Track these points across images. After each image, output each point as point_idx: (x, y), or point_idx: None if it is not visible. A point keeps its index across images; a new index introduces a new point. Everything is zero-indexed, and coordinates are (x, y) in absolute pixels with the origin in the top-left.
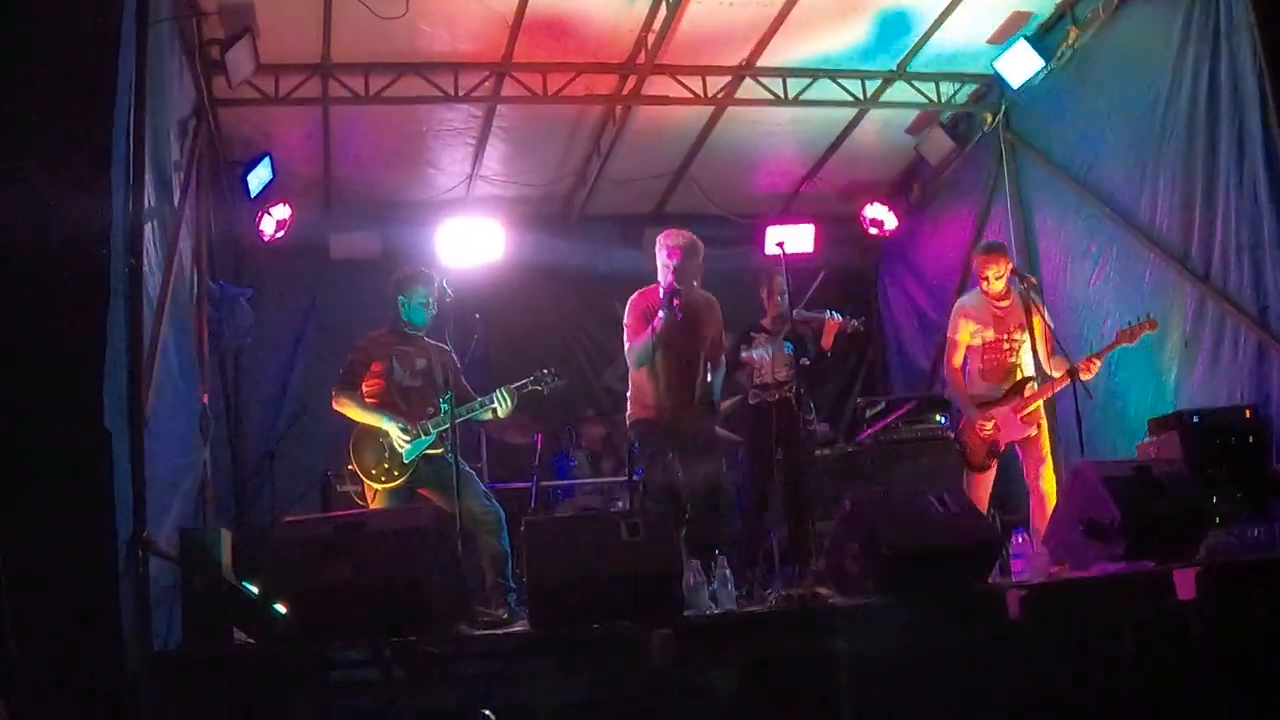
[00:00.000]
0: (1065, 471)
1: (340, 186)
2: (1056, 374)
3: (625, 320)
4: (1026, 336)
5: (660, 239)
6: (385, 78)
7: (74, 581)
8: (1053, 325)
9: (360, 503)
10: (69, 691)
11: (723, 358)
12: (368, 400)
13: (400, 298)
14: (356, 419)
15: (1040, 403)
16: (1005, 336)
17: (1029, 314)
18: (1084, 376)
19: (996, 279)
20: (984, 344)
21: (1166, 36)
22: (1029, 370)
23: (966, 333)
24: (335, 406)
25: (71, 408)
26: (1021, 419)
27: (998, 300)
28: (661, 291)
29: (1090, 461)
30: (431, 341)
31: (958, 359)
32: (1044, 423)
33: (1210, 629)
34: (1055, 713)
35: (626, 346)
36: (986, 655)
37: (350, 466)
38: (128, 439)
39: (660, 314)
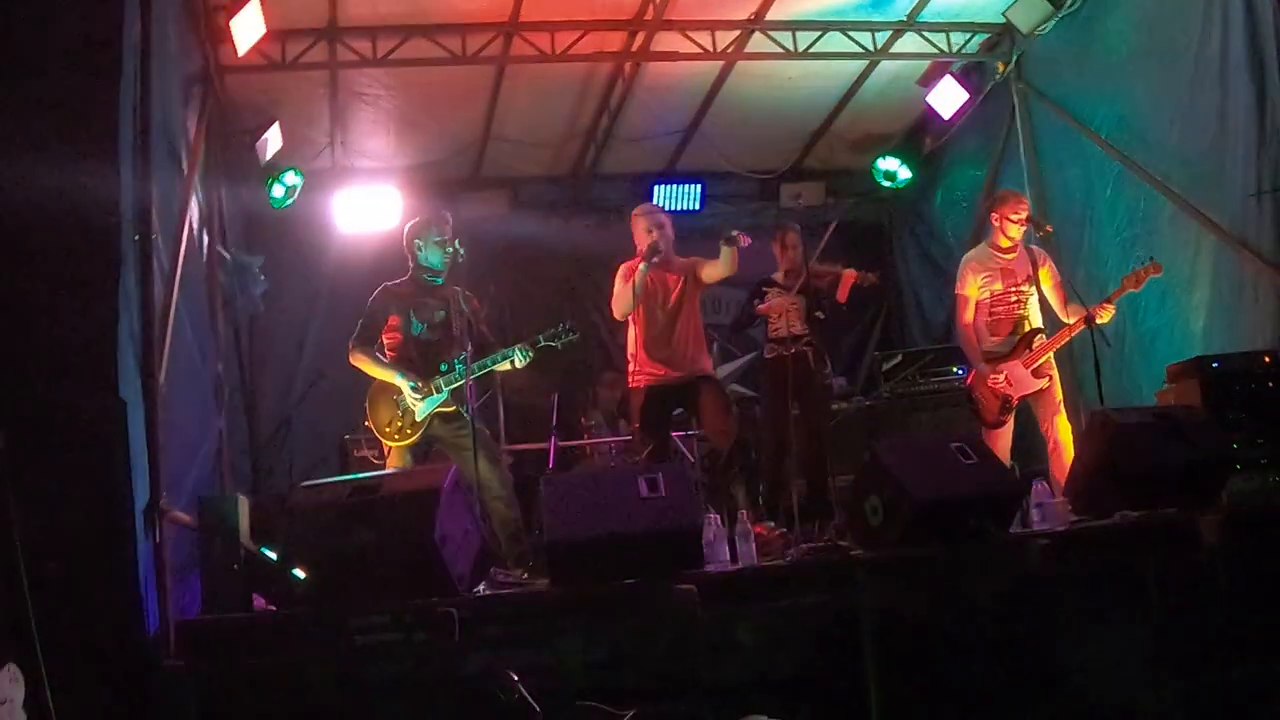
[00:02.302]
0: (1085, 420)
1: (350, 151)
2: (1071, 320)
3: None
4: (1034, 289)
5: (638, 213)
6: (392, 40)
7: (92, 550)
8: (1060, 276)
9: (378, 463)
10: (88, 661)
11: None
12: (388, 353)
13: (416, 241)
14: (372, 374)
15: (1050, 355)
16: (1013, 288)
17: (1036, 267)
18: (1101, 319)
19: (1018, 222)
20: (991, 296)
21: None
22: (1037, 322)
23: (974, 287)
24: (351, 361)
25: (85, 378)
26: (1033, 372)
27: (1004, 253)
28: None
29: (1110, 409)
30: (453, 289)
31: (969, 314)
32: (1055, 373)
33: (1233, 576)
34: (1078, 662)
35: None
36: (1008, 605)
37: (367, 423)
38: (142, 408)
39: (641, 267)
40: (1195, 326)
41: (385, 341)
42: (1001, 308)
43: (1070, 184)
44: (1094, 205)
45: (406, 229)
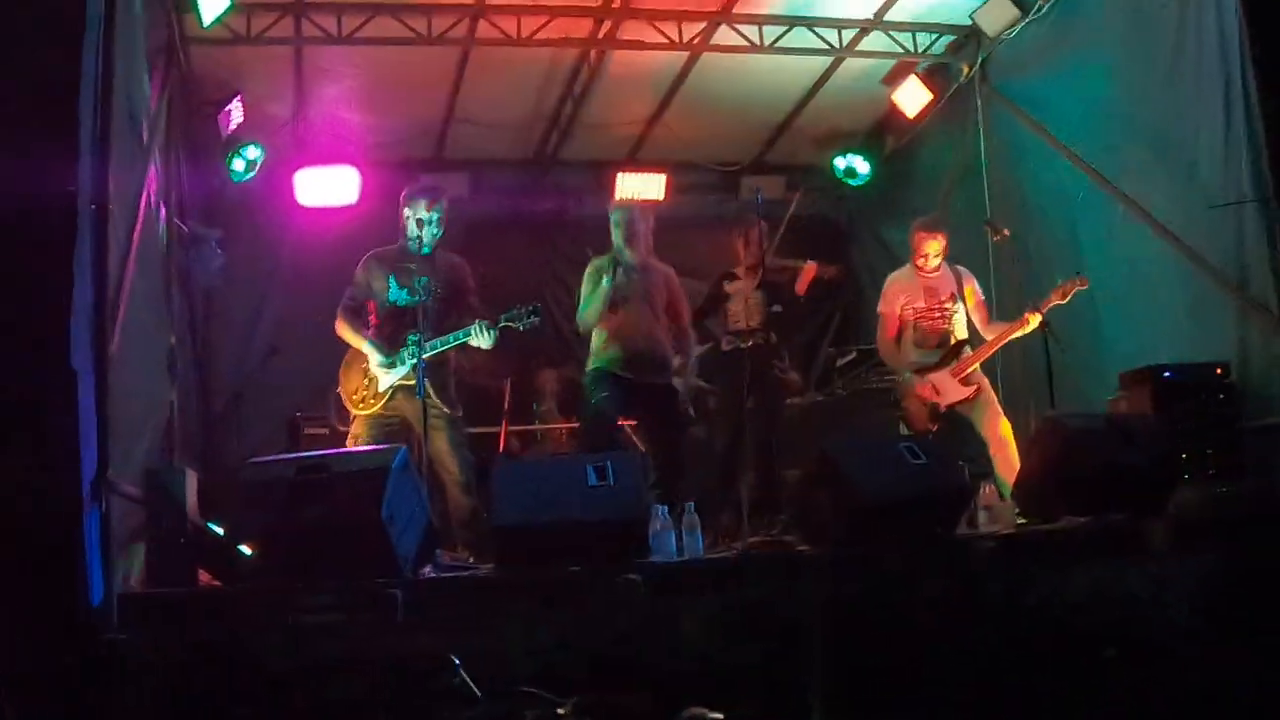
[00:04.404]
0: (1035, 424)
1: (312, 128)
2: (990, 337)
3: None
4: (959, 305)
5: (613, 207)
6: (358, 18)
7: (38, 521)
8: (983, 296)
9: (330, 441)
10: (31, 631)
11: (691, 331)
12: (371, 320)
13: (404, 209)
14: (348, 341)
15: (979, 364)
16: (937, 305)
17: (960, 285)
18: (1025, 329)
19: (935, 255)
20: (915, 313)
21: None
22: (962, 335)
23: (898, 305)
24: (336, 329)
25: (37, 347)
26: (960, 381)
27: (928, 272)
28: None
29: (1060, 414)
30: (446, 256)
31: (891, 331)
32: (985, 381)
33: (1175, 582)
34: (1020, 664)
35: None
36: (952, 606)
37: (337, 389)
38: (93, 379)
39: (604, 280)
40: (1153, 334)
41: (370, 307)
42: (926, 323)
43: (1032, 188)
44: (1055, 210)
45: (403, 194)
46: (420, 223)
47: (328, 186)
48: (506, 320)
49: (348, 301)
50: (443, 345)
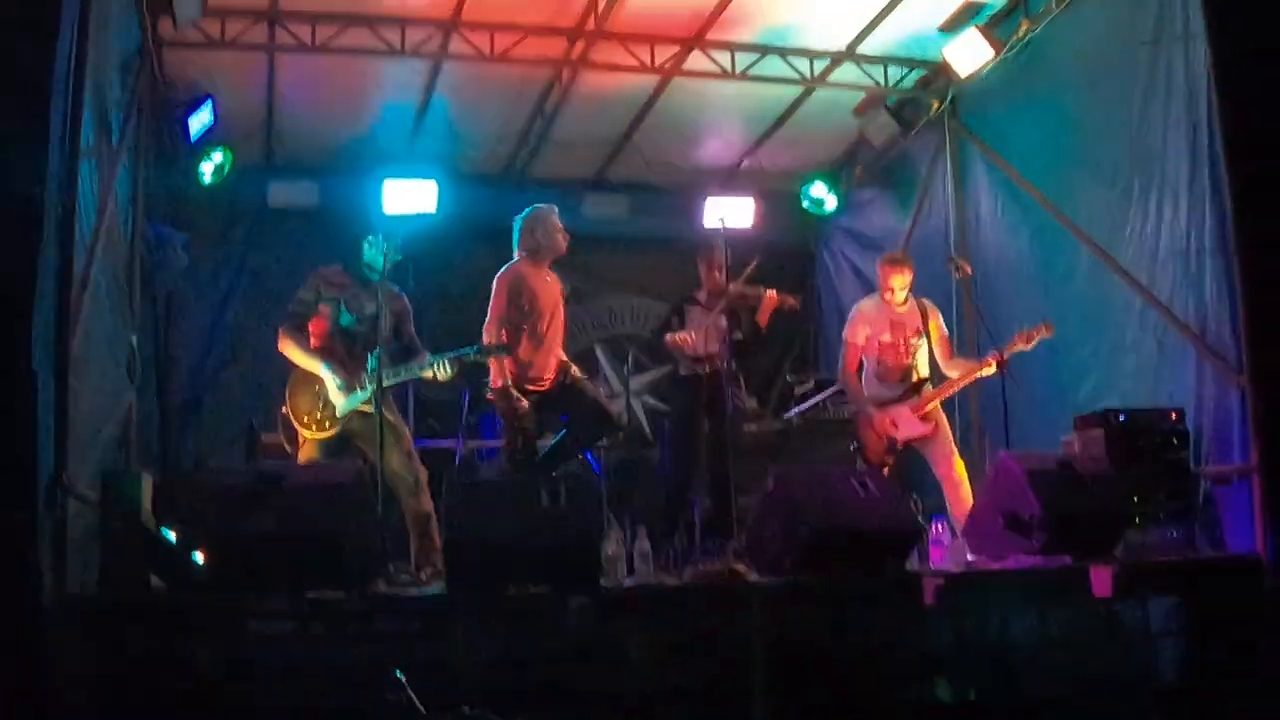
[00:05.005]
0: (989, 463)
1: (281, 135)
2: (953, 374)
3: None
4: (923, 341)
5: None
6: (332, 27)
7: None
8: (947, 331)
9: (289, 449)
10: None
11: None
12: (313, 340)
13: (369, 238)
14: (296, 362)
15: (938, 402)
16: (902, 339)
17: (926, 320)
18: (984, 372)
19: (900, 289)
20: (880, 346)
21: (1133, 36)
22: (924, 372)
23: (862, 336)
24: (279, 347)
25: None
26: (920, 417)
27: (896, 306)
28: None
29: (1013, 454)
30: (385, 284)
31: (854, 361)
32: (942, 419)
33: (1122, 627)
34: (964, 702)
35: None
36: (899, 640)
37: (285, 409)
38: (52, 379)
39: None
40: (1114, 377)
41: (311, 329)
42: (890, 357)
43: (996, 225)
44: (1019, 248)
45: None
46: (385, 254)
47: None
48: (475, 356)
49: (294, 319)
50: (406, 375)
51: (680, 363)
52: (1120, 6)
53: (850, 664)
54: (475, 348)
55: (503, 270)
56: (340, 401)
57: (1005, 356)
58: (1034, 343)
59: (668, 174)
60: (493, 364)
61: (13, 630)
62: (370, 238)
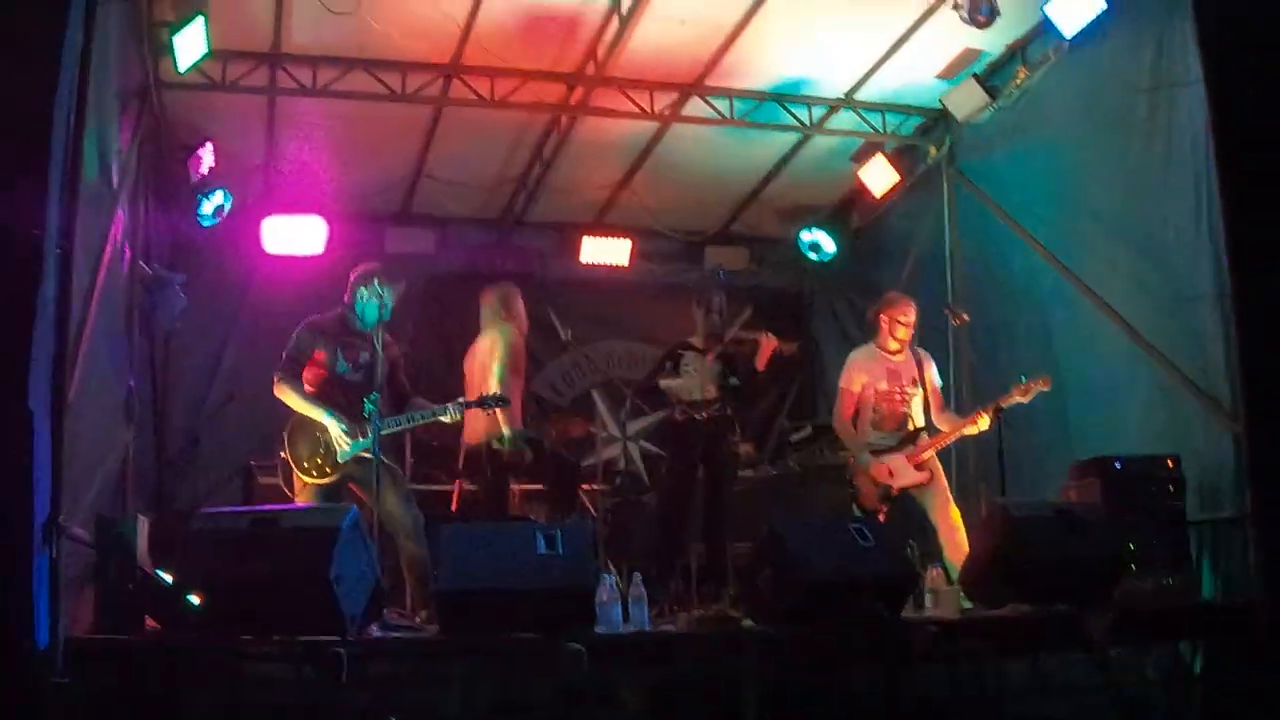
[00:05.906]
0: (985, 509)
1: (281, 177)
2: (943, 428)
3: None
4: (919, 390)
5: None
6: (333, 71)
7: None
8: (940, 382)
9: (287, 491)
10: None
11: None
12: (308, 388)
13: (360, 287)
14: (296, 409)
15: (934, 451)
16: (899, 389)
17: (921, 369)
18: (976, 427)
19: (905, 325)
20: (876, 394)
21: (1131, 83)
22: (920, 422)
23: (859, 384)
24: (276, 393)
25: None
26: (915, 465)
27: (892, 354)
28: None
29: (1009, 501)
30: (381, 335)
31: (850, 409)
32: (938, 468)
33: (1118, 674)
34: None
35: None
36: (895, 688)
37: (283, 454)
38: (49, 420)
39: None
40: (1113, 424)
41: (305, 376)
42: (886, 405)
43: (996, 272)
44: (1018, 296)
45: (357, 269)
46: (381, 307)
47: (295, 235)
48: (483, 406)
49: (290, 365)
50: (421, 420)
51: (675, 407)
52: (1118, 54)
53: (845, 712)
54: (494, 397)
55: (513, 339)
56: (344, 448)
57: (1001, 408)
58: (1031, 395)
59: (666, 220)
60: (501, 414)
61: (8, 671)
62: (365, 288)
